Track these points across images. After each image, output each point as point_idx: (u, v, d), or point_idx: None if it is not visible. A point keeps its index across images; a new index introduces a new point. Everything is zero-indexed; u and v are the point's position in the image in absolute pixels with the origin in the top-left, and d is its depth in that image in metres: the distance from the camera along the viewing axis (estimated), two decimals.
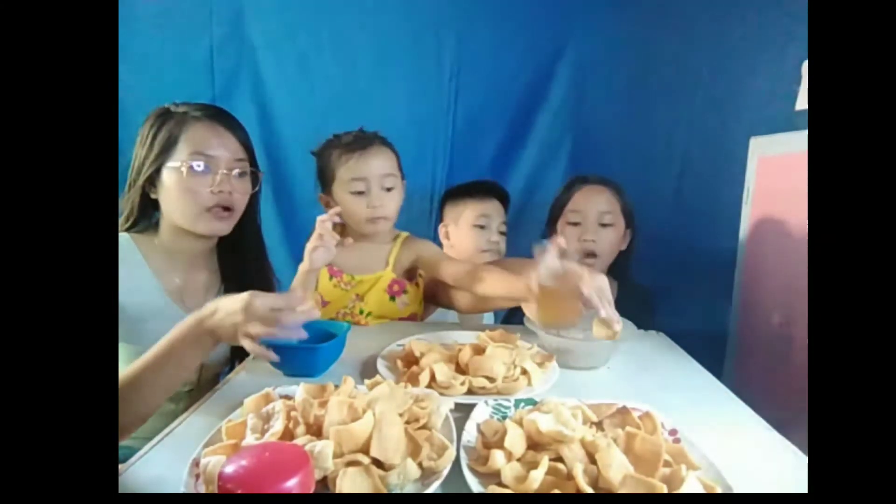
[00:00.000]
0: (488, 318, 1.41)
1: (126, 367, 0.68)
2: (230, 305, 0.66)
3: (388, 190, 1.05)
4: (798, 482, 0.53)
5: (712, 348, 1.16)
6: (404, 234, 1.15)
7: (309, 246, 0.92)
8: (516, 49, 1.50)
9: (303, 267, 0.94)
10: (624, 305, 1.23)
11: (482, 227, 1.35)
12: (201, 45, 1.46)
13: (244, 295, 0.65)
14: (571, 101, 1.52)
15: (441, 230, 1.44)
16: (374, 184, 1.03)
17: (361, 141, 1.04)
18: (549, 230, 1.34)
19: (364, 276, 1.08)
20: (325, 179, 1.09)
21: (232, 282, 1.02)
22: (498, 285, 0.93)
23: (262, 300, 0.65)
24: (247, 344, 0.66)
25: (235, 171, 0.92)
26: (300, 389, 0.62)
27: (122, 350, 0.84)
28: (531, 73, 1.52)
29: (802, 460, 0.57)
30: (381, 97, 1.50)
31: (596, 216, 1.23)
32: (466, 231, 1.36)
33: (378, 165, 1.04)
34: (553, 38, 1.49)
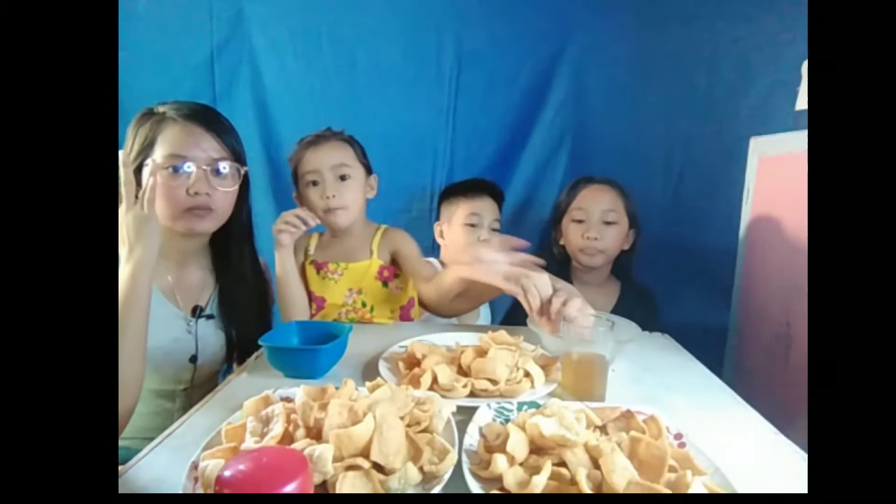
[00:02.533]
0: (488, 318, 1.41)
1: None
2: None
3: (343, 179, 1.09)
4: (804, 487, 0.52)
5: (711, 347, 1.16)
6: (384, 226, 1.19)
7: (273, 229, 1.04)
8: (516, 49, 1.50)
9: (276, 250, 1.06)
10: (627, 306, 1.24)
11: (473, 225, 1.35)
12: (201, 46, 1.45)
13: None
14: (571, 101, 1.52)
15: (436, 229, 1.45)
16: (326, 174, 1.08)
17: (318, 138, 1.11)
18: (554, 229, 1.35)
19: (350, 263, 1.12)
20: (295, 179, 1.15)
21: (225, 278, 1.02)
22: (452, 272, 0.99)
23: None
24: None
25: (214, 169, 0.91)
26: (300, 391, 0.61)
27: None
28: (531, 73, 1.51)
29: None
30: (381, 97, 1.50)
31: (600, 214, 1.26)
32: (458, 229, 1.37)
33: (331, 156, 1.09)
34: (553, 38, 1.49)
